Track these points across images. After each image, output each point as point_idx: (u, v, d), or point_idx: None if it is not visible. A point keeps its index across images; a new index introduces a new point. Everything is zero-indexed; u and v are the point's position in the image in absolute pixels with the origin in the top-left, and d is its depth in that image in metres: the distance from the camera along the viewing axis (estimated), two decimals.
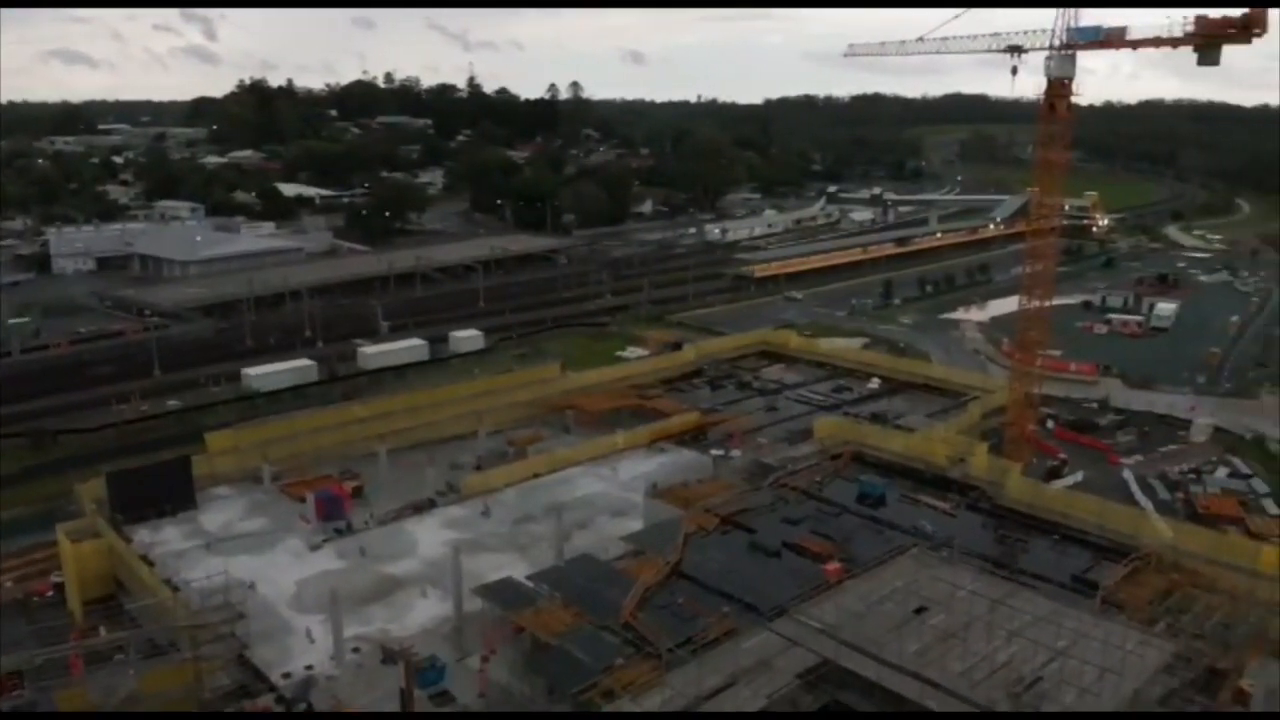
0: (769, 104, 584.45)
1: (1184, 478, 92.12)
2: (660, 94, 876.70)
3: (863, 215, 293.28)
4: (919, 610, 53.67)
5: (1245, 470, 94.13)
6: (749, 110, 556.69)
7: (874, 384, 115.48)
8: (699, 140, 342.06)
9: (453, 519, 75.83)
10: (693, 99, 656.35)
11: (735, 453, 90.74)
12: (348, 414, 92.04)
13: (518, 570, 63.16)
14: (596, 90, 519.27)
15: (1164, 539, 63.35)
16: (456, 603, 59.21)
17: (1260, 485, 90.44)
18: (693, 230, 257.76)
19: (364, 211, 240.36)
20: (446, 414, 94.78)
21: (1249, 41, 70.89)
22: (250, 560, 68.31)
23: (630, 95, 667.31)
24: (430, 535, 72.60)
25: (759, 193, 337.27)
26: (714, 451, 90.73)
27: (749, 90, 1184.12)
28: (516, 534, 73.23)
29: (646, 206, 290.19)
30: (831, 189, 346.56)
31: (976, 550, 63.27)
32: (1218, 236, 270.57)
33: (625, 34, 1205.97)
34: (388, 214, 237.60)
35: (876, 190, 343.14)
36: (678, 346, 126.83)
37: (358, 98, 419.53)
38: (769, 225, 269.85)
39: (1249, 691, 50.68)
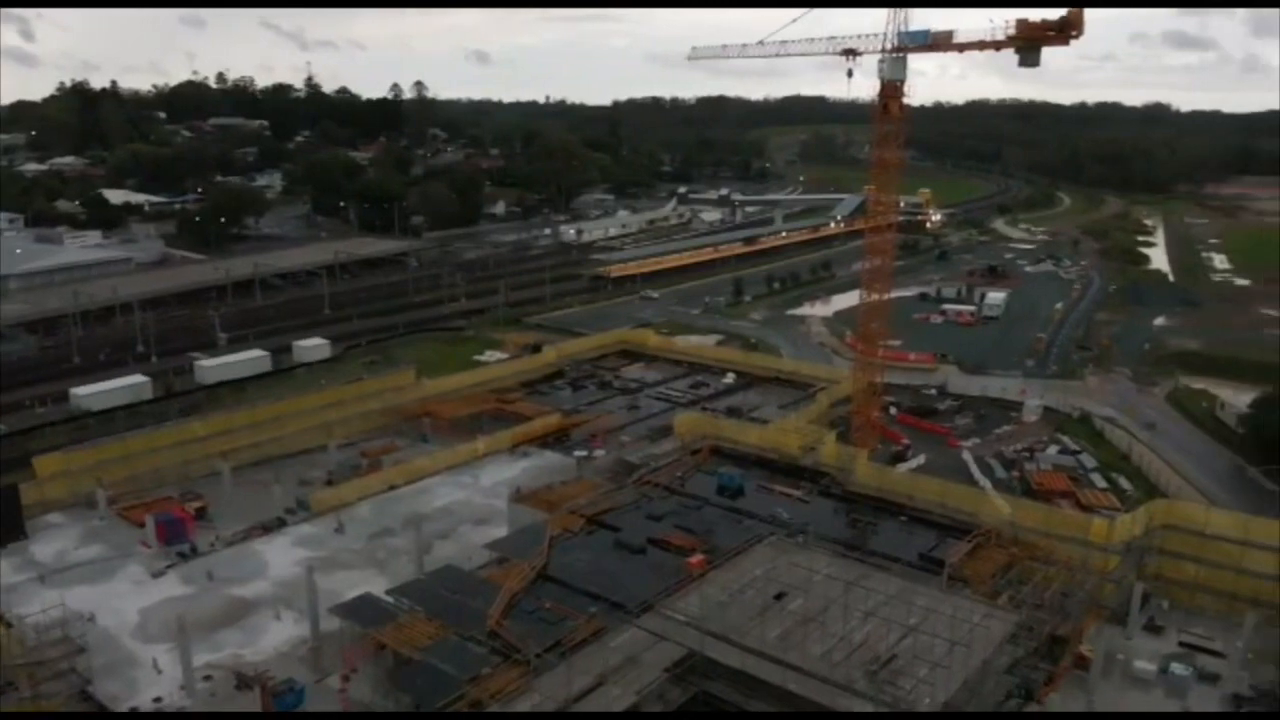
0: (617, 105, 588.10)
1: (1018, 456, 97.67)
2: (507, 94, 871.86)
3: (712, 215, 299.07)
4: (779, 596, 55.11)
5: (1074, 447, 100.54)
6: (598, 112, 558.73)
7: (729, 379, 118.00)
8: (550, 141, 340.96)
9: (304, 537, 73.24)
10: (541, 99, 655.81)
11: (599, 453, 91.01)
12: (186, 432, 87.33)
13: (376, 586, 61.53)
14: (442, 90, 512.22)
15: (1003, 515, 67.03)
16: (313, 623, 57.20)
17: (1088, 460, 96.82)
18: (547, 231, 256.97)
19: (197, 218, 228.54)
20: (293, 428, 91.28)
21: (1067, 43, 75.55)
22: (89, 591, 64.43)
23: (477, 95, 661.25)
24: (281, 555, 69.94)
25: (612, 194, 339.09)
26: (578, 453, 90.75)
27: (597, 92, 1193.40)
28: (374, 549, 71.33)
29: (499, 208, 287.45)
30: (682, 190, 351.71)
31: (830, 535, 65.62)
32: (1041, 228, 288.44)
33: (469, 34, 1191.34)
34: (223, 220, 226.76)
35: (724, 191, 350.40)
36: (537, 349, 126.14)
37: (188, 99, 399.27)
38: (623, 226, 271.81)
39: (1089, 656, 54.22)
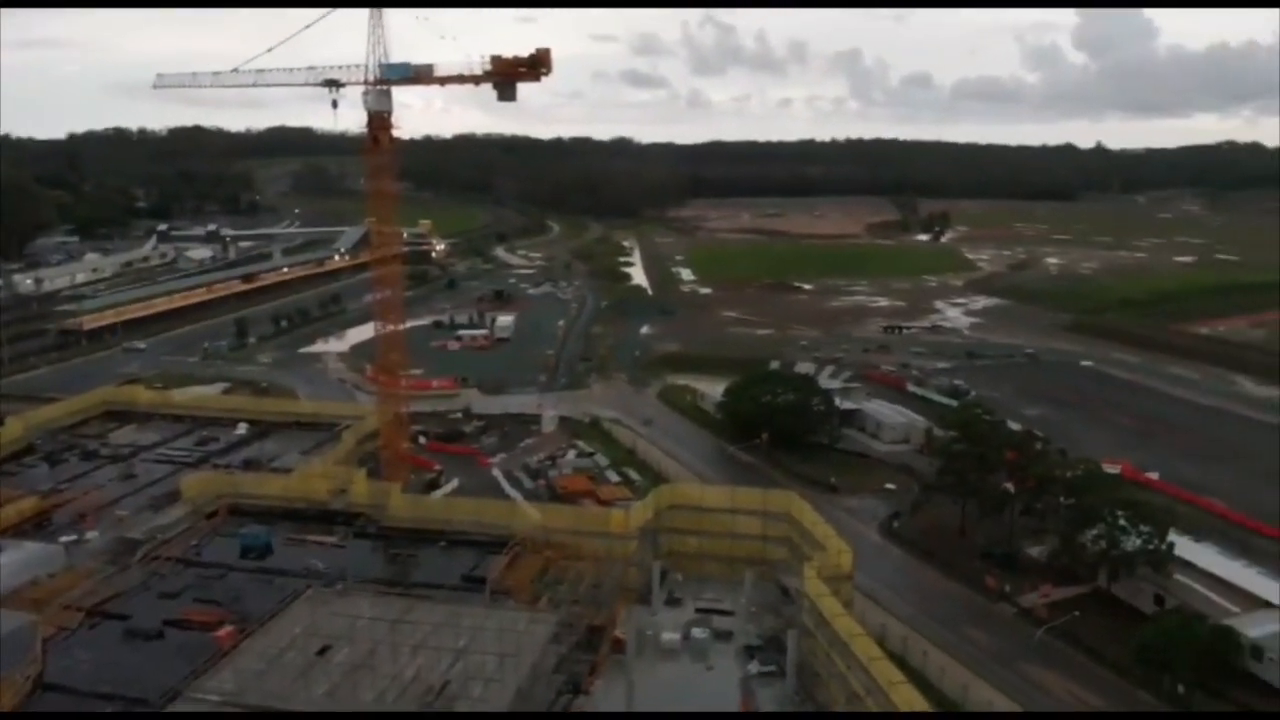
0: (74, 139, 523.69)
1: (542, 465, 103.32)
2: None
3: (202, 253, 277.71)
4: (322, 651, 52.30)
5: (589, 450, 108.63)
6: (50, 146, 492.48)
7: (242, 429, 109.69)
8: None
9: None
10: None
11: (91, 534, 79.26)
12: None
13: None
14: None
15: (534, 523, 70.07)
16: None
17: (602, 459, 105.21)
18: None
19: None
20: None
21: (538, 79, 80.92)
22: None
23: None
24: None
25: (76, 235, 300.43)
26: (64, 538, 78.22)
27: (46, 124, 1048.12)
28: None
29: None
30: (162, 227, 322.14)
31: (371, 575, 63.71)
32: (538, 254, 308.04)
33: None
34: None
35: (213, 226, 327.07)
36: None
37: None
38: (94, 270, 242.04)
39: (623, 638, 58.37)
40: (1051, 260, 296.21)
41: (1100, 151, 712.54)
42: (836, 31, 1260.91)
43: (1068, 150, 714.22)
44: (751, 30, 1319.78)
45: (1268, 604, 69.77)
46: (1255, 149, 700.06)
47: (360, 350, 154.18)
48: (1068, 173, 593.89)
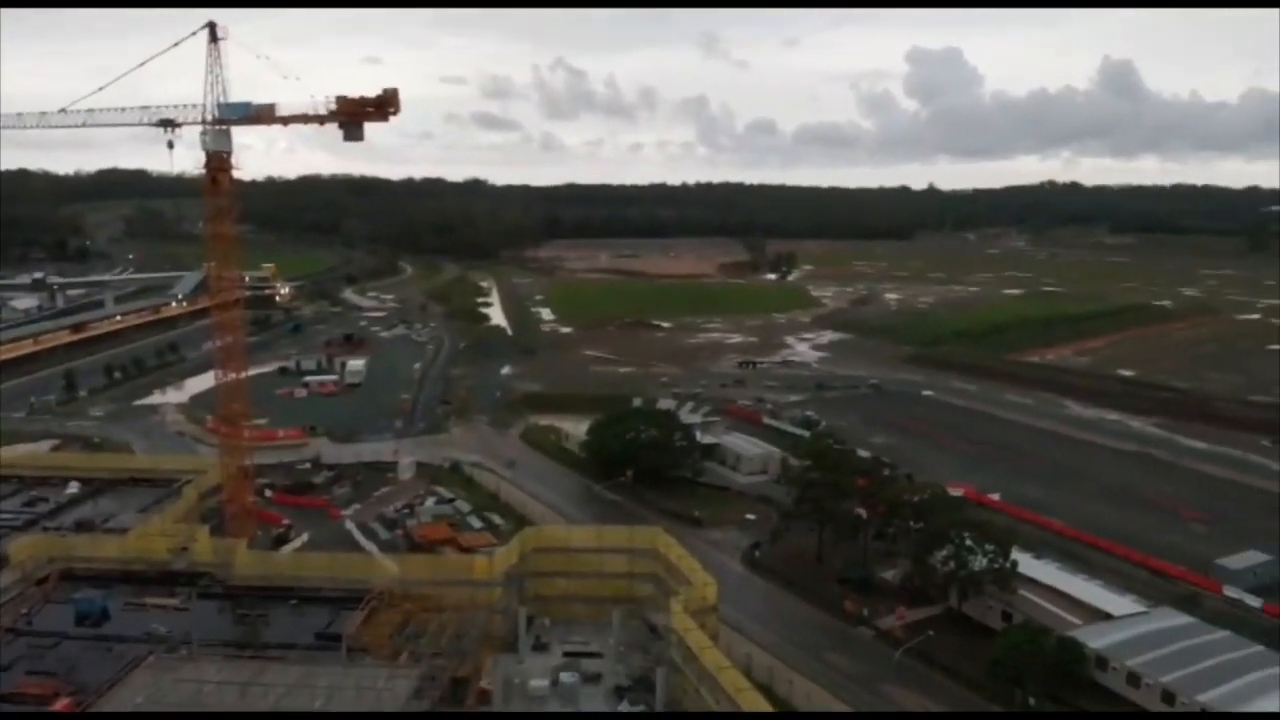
0: None
1: (399, 514, 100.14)
2: None
3: (27, 303, 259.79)
4: None
5: (449, 496, 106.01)
6: None
7: (73, 488, 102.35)
8: None
9: None
10: None
11: None
12: None
13: None
14: None
15: (391, 575, 67.68)
16: None
17: (463, 505, 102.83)
18: None
19: None
20: None
21: (386, 119, 79.64)
22: None
23: None
24: None
25: None
26: None
27: None
28: None
29: None
30: None
31: (218, 638, 60.08)
32: (390, 295, 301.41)
33: None
34: None
35: (39, 274, 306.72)
36: None
37: None
38: None
39: (489, 690, 56.79)
40: (891, 296, 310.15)
41: (932, 192, 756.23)
42: (683, 79, 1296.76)
43: (902, 192, 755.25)
44: (602, 76, 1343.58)
45: (1107, 616, 73.91)
46: (1074, 188, 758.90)
47: (200, 400, 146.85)
48: (903, 213, 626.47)
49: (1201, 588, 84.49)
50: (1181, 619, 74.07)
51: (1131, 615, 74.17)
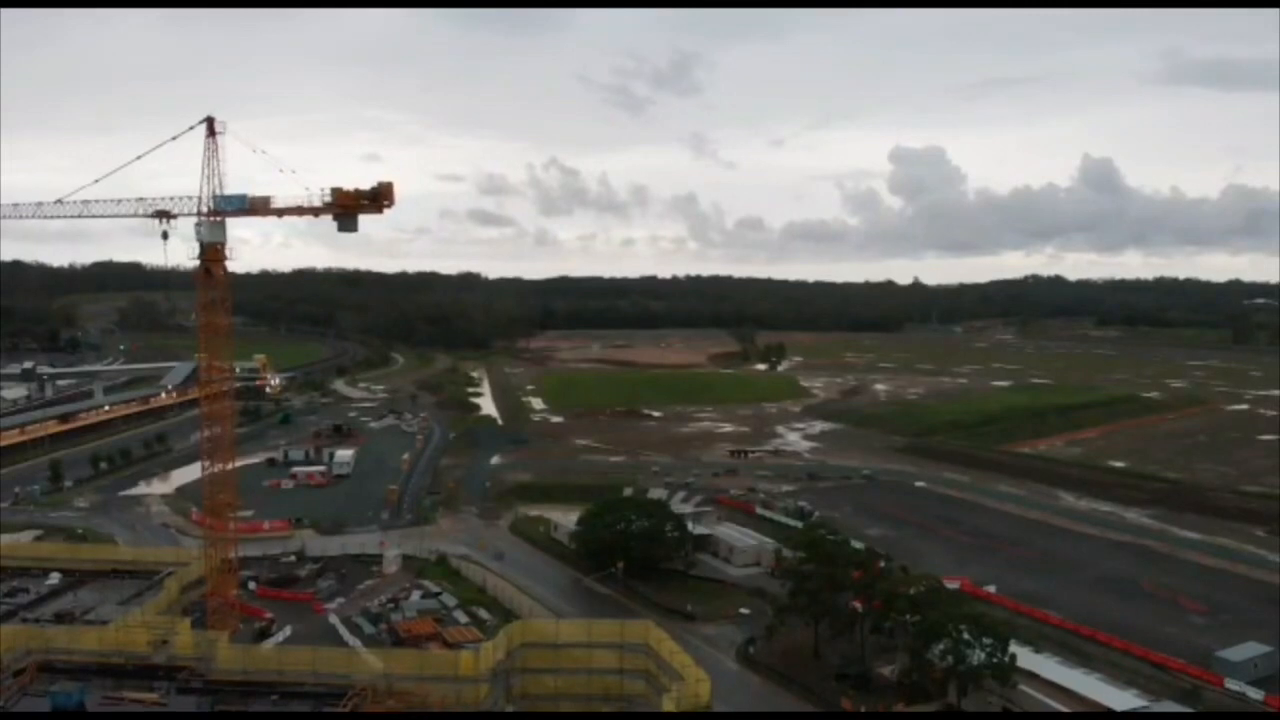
0: None
1: (384, 608, 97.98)
2: None
3: (16, 392, 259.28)
4: None
5: (435, 589, 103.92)
6: None
7: (54, 579, 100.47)
8: None
9: None
10: None
11: None
12: None
13: None
14: None
15: (375, 670, 66.07)
16: None
17: (449, 599, 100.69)
18: None
19: None
20: None
21: (380, 211, 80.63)
22: None
23: None
24: None
25: None
26: None
27: None
28: None
29: None
30: None
31: None
32: (381, 386, 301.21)
33: None
34: None
35: (29, 364, 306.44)
36: None
37: None
38: None
39: None
40: (880, 386, 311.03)
41: (918, 287, 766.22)
42: (674, 177, 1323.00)
43: (889, 286, 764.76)
44: (595, 174, 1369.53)
45: (1110, 711, 72.20)
46: (1058, 282, 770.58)
47: (186, 491, 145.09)
48: (889, 306, 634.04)
49: (1203, 681, 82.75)
50: (1184, 713, 72.36)
51: (1135, 711, 72.45)
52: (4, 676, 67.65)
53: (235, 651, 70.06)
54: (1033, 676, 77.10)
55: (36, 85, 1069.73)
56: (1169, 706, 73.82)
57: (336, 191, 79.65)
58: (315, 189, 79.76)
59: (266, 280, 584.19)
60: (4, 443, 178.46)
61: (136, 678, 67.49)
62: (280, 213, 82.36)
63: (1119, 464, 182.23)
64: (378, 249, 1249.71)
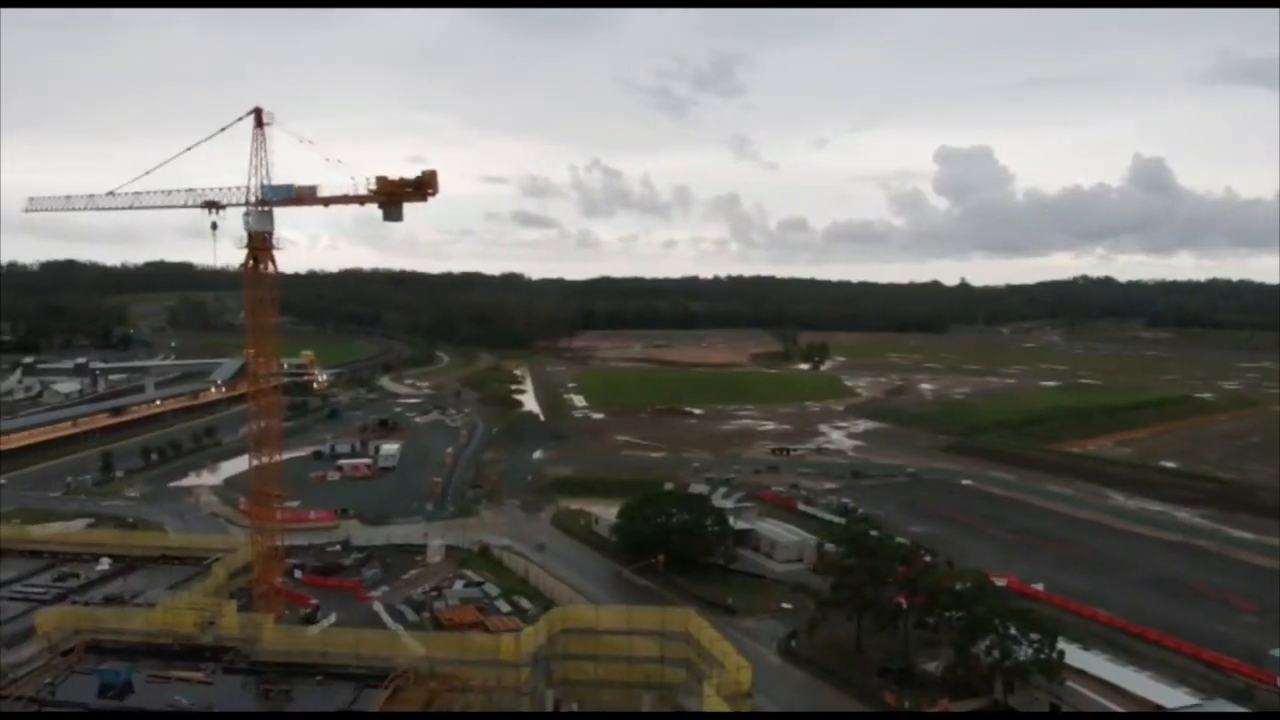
0: None
1: (427, 597, 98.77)
2: None
3: (69, 386, 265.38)
4: None
5: (477, 579, 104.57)
6: None
7: (104, 565, 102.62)
8: None
9: None
10: None
11: None
12: None
13: None
14: None
15: (416, 654, 66.44)
16: None
17: (492, 589, 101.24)
18: None
19: None
20: None
21: (425, 199, 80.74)
22: None
23: None
24: None
25: None
26: None
27: None
28: None
29: None
30: (28, 360, 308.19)
31: (239, 710, 59.06)
32: (426, 383, 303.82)
33: None
34: None
35: (82, 360, 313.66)
36: None
37: None
38: None
39: None
40: (925, 386, 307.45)
41: (964, 288, 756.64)
42: (716, 178, 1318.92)
43: (934, 287, 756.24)
44: (637, 176, 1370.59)
45: (1160, 708, 70.64)
46: (1107, 283, 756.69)
47: (235, 483, 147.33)
48: (935, 307, 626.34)
49: (1256, 680, 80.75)
50: (1238, 713, 70.62)
51: (1186, 709, 70.84)
52: (52, 655, 69.12)
53: (280, 633, 70.88)
54: (1081, 673, 75.63)
55: (87, 87, 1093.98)
56: (1222, 705, 71.99)
57: (381, 180, 79.97)
58: (360, 178, 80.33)
59: (314, 280, 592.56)
60: (58, 435, 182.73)
61: (183, 658, 68.36)
62: (326, 202, 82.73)
63: (1169, 464, 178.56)
64: (423, 250, 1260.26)
